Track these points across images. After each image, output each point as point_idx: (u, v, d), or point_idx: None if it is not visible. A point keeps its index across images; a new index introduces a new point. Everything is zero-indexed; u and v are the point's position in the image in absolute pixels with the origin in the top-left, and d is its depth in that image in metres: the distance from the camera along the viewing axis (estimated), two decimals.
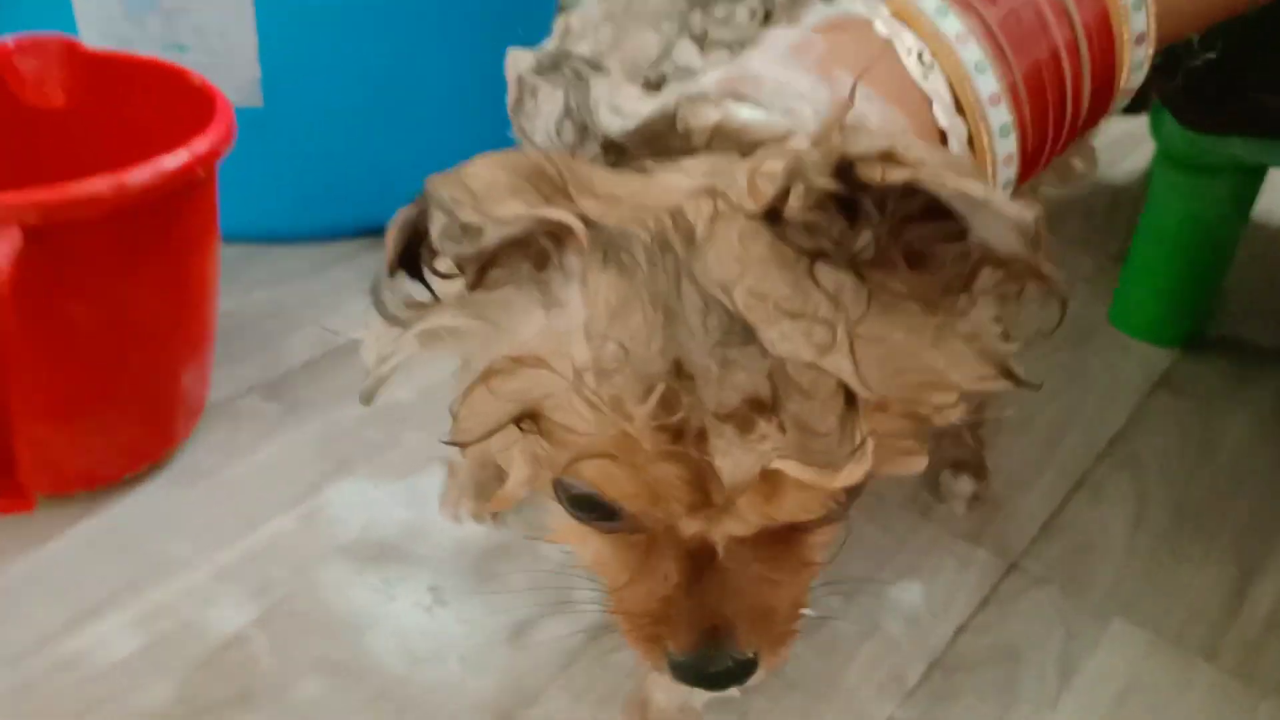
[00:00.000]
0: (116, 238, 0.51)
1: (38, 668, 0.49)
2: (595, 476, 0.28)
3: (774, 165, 0.28)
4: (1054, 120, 0.37)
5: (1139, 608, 0.57)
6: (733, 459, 0.27)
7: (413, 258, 0.29)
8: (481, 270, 0.28)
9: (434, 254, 0.29)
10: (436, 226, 0.27)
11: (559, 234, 0.28)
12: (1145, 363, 0.75)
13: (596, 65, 0.36)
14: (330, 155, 0.77)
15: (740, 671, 0.31)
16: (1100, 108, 0.39)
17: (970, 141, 0.36)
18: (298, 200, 0.79)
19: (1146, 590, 0.58)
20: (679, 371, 0.27)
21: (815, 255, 0.27)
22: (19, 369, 0.48)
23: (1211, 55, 0.61)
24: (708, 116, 0.32)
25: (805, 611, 0.33)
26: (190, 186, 0.53)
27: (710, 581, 0.30)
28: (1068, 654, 0.54)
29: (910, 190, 0.26)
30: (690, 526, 0.29)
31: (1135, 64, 0.38)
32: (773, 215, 0.27)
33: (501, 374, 0.29)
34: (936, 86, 0.35)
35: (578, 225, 0.27)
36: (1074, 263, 0.85)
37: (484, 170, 0.28)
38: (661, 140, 0.32)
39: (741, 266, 0.27)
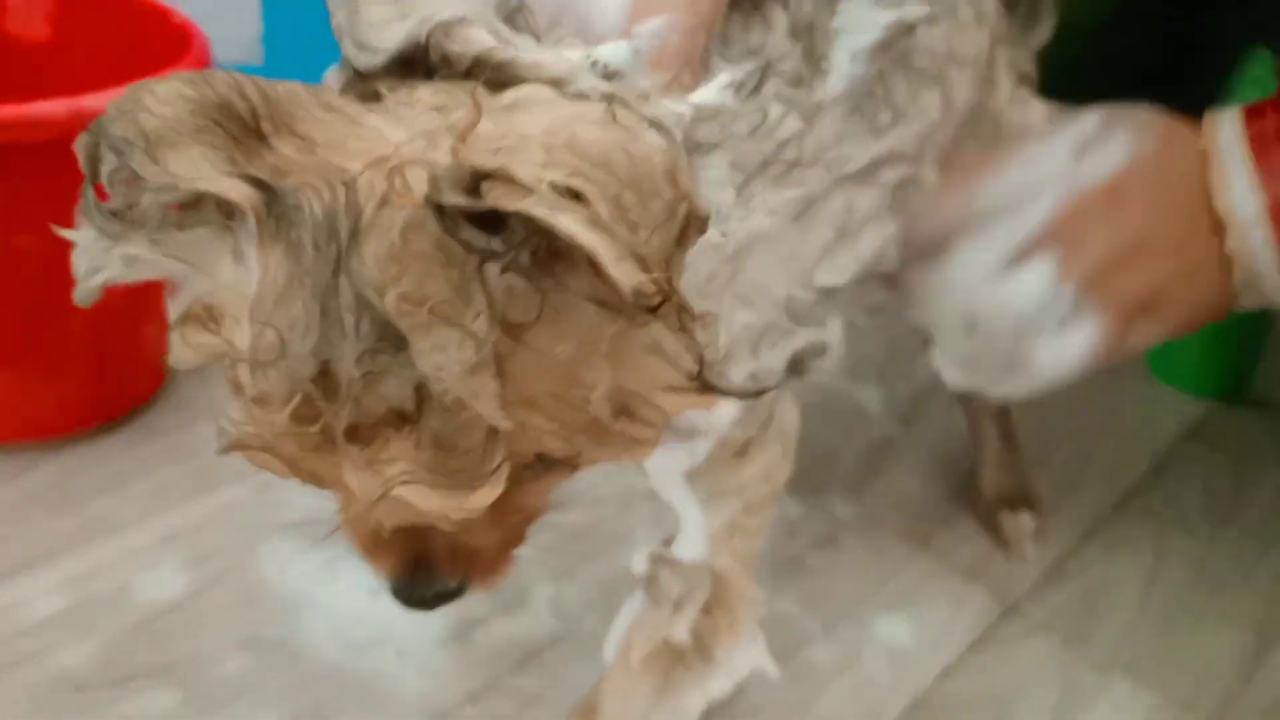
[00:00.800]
0: (70, 166, 0.49)
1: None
2: (262, 459, 0.27)
3: (445, 148, 0.26)
4: None
5: (1145, 668, 0.54)
6: (358, 480, 0.26)
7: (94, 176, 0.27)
8: (175, 208, 0.26)
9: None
10: (106, 167, 0.26)
11: (235, 199, 0.25)
12: (1179, 412, 0.73)
13: None
14: None
15: (446, 596, 0.31)
16: None
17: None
18: None
19: (1156, 650, 0.55)
20: (325, 375, 0.25)
21: (485, 256, 0.24)
22: None
23: None
24: (469, 45, 0.29)
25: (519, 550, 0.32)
26: None
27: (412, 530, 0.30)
28: (1063, 710, 0.51)
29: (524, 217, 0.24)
30: (348, 505, 0.29)
31: None
32: (438, 207, 0.24)
33: (192, 321, 0.27)
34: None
35: (245, 199, 0.25)
36: None
37: (166, 103, 0.25)
38: (412, 70, 0.29)
39: (400, 266, 0.25)
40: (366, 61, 0.30)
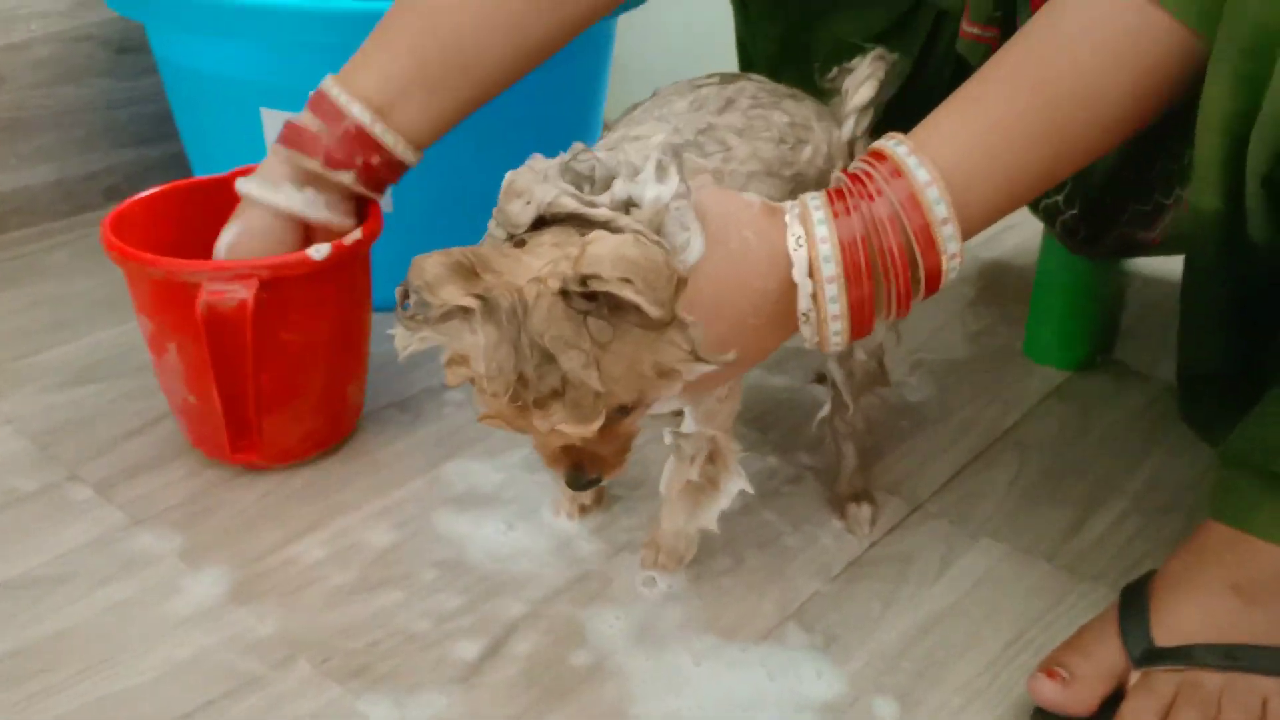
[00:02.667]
0: (312, 289, 0.79)
1: (268, 565, 0.75)
2: (498, 424, 0.53)
3: (566, 263, 0.49)
4: (880, 297, 0.56)
5: (1003, 532, 0.80)
6: (540, 423, 0.51)
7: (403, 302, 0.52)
8: (440, 320, 0.51)
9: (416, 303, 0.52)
10: (413, 298, 0.50)
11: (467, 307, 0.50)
12: (1044, 380, 0.99)
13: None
14: (438, 244, 1.06)
15: (592, 481, 0.55)
16: (932, 285, 0.57)
17: (814, 297, 0.55)
18: None
19: (1011, 521, 0.81)
20: (521, 379, 0.49)
21: (585, 313, 0.48)
22: (257, 371, 0.77)
23: (1074, 211, 0.83)
24: (562, 208, 0.52)
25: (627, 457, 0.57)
26: (356, 259, 0.82)
27: (569, 446, 0.54)
28: (946, 559, 0.77)
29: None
30: (541, 441, 0.55)
31: (950, 268, 0.56)
32: (565, 294, 0.48)
33: (454, 363, 0.52)
34: (799, 257, 0.55)
35: (474, 305, 0.49)
36: (1000, 310, 1.12)
37: (432, 264, 0.49)
38: (541, 221, 0.53)
39: (549, 323, 0.48)
40: (515, 232, 0.52)
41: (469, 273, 0.50)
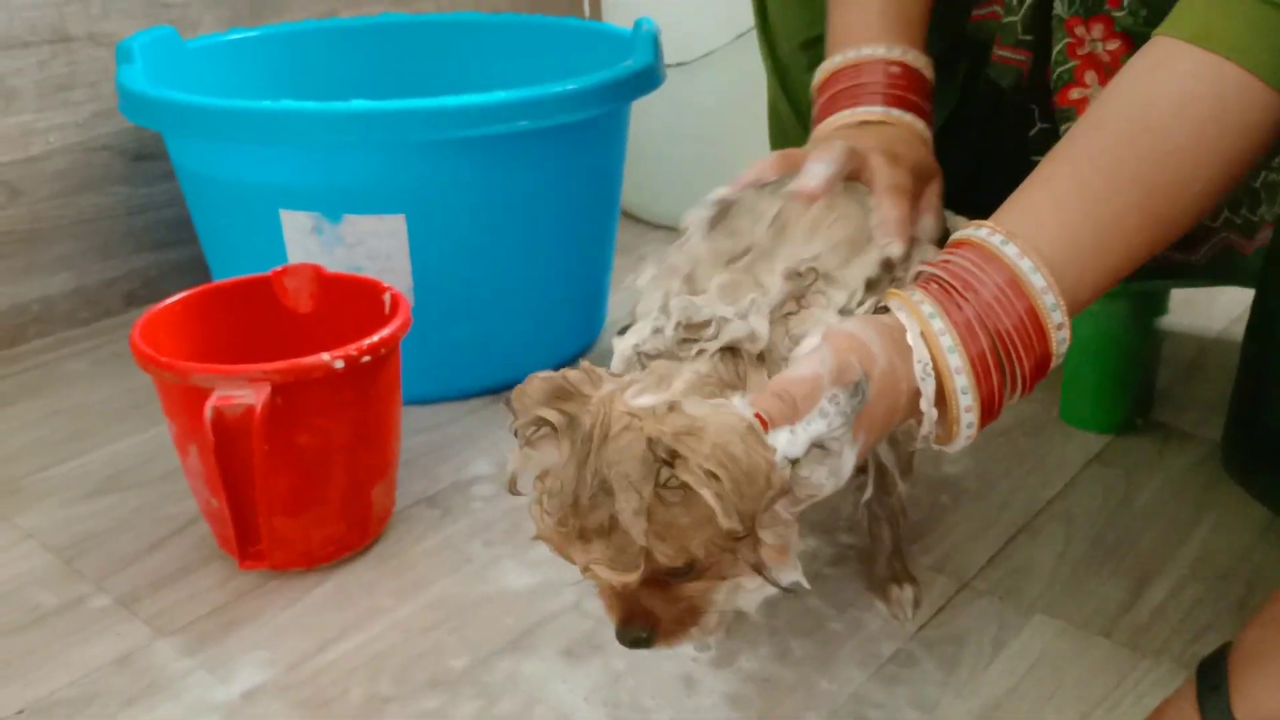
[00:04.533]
0: (328, 392, 0.78)
1: (298, 676, 0.73)
2: (550, 546, 0.52)
3: (664, 425, 0.48)
4: (1000, 386, 0.56)
5: (1056, 608, 0.77)
6: (577, 556, 0.50)
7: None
8: (528, 442, 0.51)
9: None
10: (516, 420, 0.51)
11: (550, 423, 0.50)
12: (1084, 446, 0.97)
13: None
14: (462, 337, 1.05)
15: (640, 642, 0.53)
16: (1042, 373, 0.58)
17: (943, 392, 0.55)
18: (441, 370, 1.07)
19: (1064, 596, 0.78)
20: (575, 504, 0.48)
21: (665, 464, 0.47)
22: (264, 477, 0.75)
23: None
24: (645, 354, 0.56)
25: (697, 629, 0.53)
26: (377, 360, 0.80)
27: (626, 594, 0.52)
28: (999, 639, 0.74)
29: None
30: (584, 574, 0.51)
31: (1059, 350, 0.57)
32: (650, 441, 0.47)
33: (539, 480, 0.51)
34: (920, 352, 0.54)
35: (557, 420, 0.49)
36: None
37: (534, 387, 0.50)
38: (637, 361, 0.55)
39: (621, 458, 0.47)
40: (619, 369, 0.55)
41: (568, 394, 0.50)
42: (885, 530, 0.78)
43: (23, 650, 0.76)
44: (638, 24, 1.17)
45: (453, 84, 1.00)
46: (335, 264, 0.98)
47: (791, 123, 0.98)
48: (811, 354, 0.52)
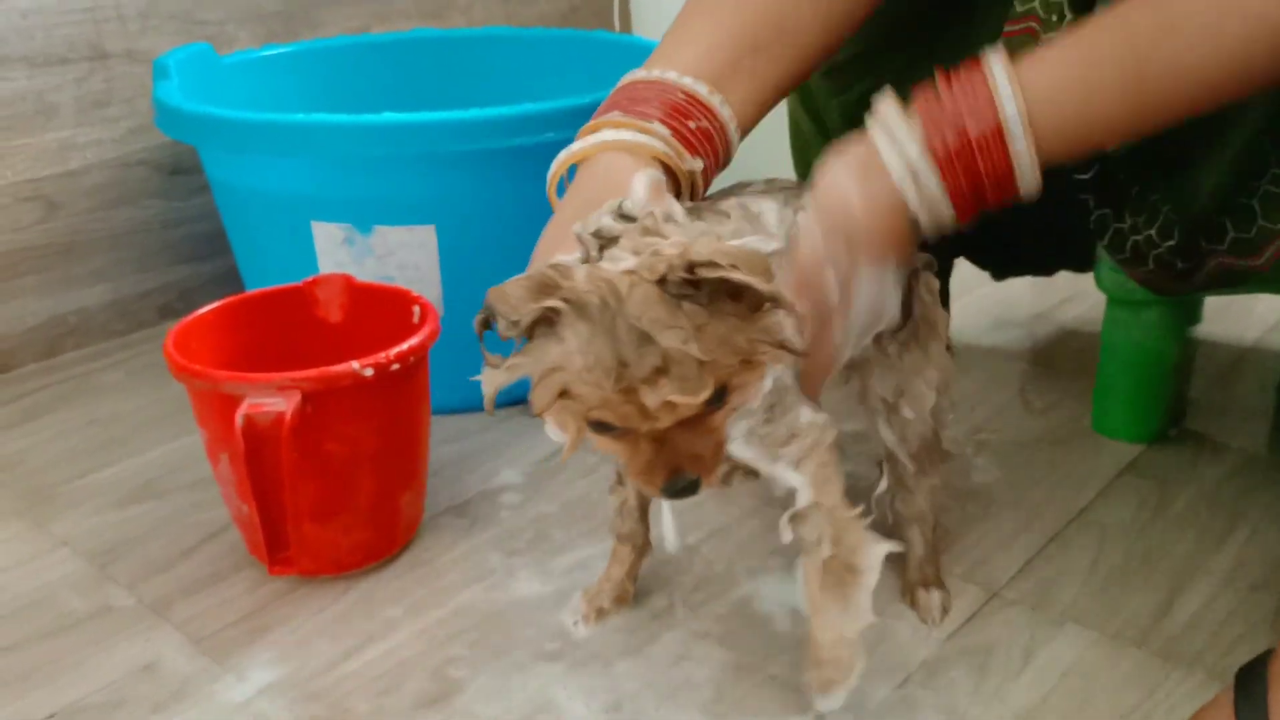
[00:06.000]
0: (358, 400, 0.79)
1: (325, 683, 0.73)
2: (599, 415, 0.52)
3: (663, 255, 0.51)
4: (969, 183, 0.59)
5: (1088, 618, 0.76)
6: (650, 398, 0.50)
7: (481, 335, 0.54)
8: (528, 330, 0.53)
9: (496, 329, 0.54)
10: (500, 321, 0.52)
11: (554, 311, 0.52)
12: (1116, 456, 0.96)
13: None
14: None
15: (693, 485, 0.54)
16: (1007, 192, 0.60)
17: (914, 176, 0.58)
18: (469, 380, 1.07)
19: (1095, 606, 0.77)
20: (622, 363, 0.50)
21: (680, 298, 0.50)
22: (293, 484, 0.76)
23: (1171, 243, 0.80)
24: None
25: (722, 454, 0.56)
26: (406, 369, 0.81)
27: (666, 447, 0.53)
28: (1029, 649, 0.73)
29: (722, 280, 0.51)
30: (645, 426, 0.52)
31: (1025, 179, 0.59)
32: (661, 281, 0.50)
33: (544, 378, 0.53)
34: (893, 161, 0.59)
35: (562, 306, 0.51)
36: (1063, 385, 1.08)
37: (513, 288, 0.51)
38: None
39: (645, 307, 0.50)
40: (593, 246, 0.55)
41: (549, 288, 0.52)
42: (915, 533, 0.77)
43: (54, 655, 0.77)
44: None
45: (484, 98, 1.01)
46: (366, 274, 0.99)
47: (812, 135, 0.98)
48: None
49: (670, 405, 0.52)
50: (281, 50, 1.31)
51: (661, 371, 0.50)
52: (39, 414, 1.12)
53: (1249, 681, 0.58)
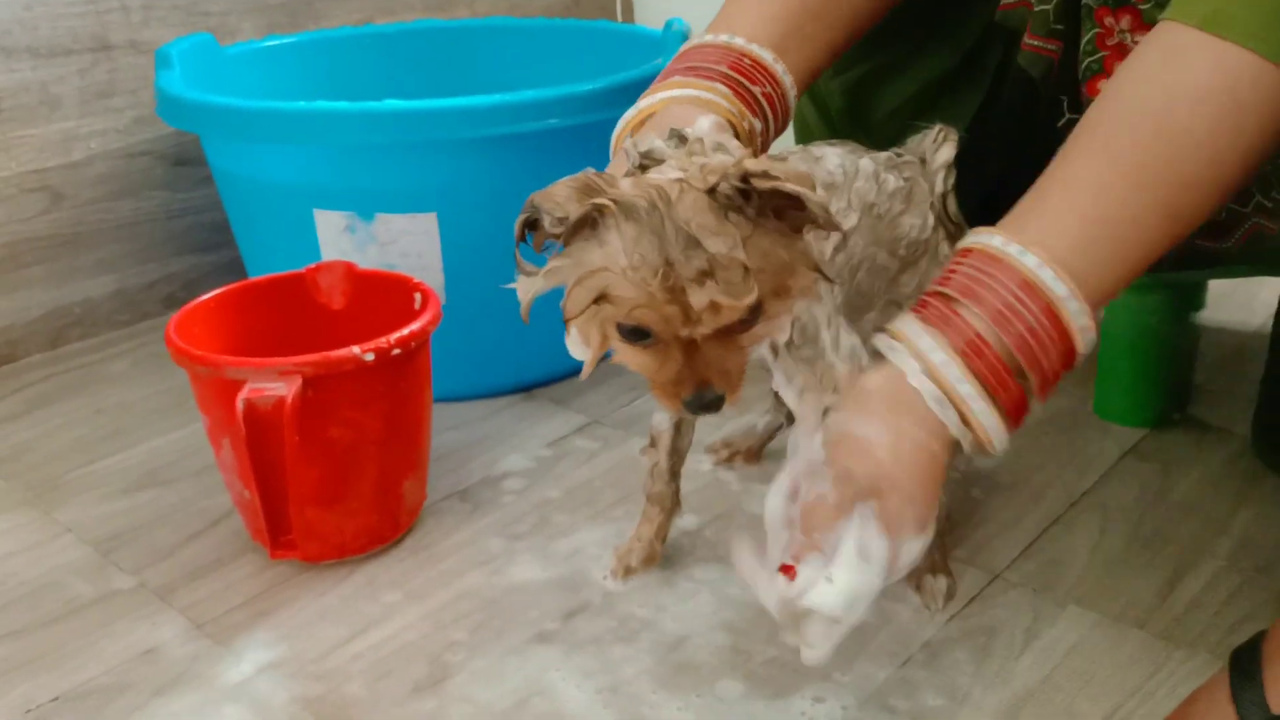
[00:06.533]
0: (359, 385, 0.79)
1: (329, 665, 0.74)
2: (639, 316, 0.53)
3: (713, 167, 0.53)
4: (1023, 392, 0.56)
5: (1090, 599, 0.76)
6: (696, 298, 0.51)
7: (523, 238, 0.56)
8: (570, 235, 0.54)
9: (543, 235, 0.55)
10: (546, 219, 0.53)
11: (601, 211, 0.53)
12: (1120, 440, 0.96)
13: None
14: (494, 334, 1.06)
15: (717, 401, 0.55)
16: (1069, 365, 0.57)
17: (965, 420, 0.55)
18: (473, 367, 1.07)
19: (1098, 588, 0.77)
20: (668, 263, 0.51)
21: (728, 209, 0.52)
22: (295, 468, 0.76)
23: None
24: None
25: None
26: (407, 354, 0.81)
27: (696, 359, 0.54)
28: (1031, 630, 0.73)
29: (775, 189, 0.52)
30: (684, 331, 0.53)
31: (1084, 348, 0.57)
32: (711, 191, 0.52)
33: (583, 280, 0.54)
34: (950, 417, 0.54)
35: (609, 204, 0.52)
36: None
37: (559, 189, 0.53)
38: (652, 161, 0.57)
39: (694, 213, 0.51)
40: (638, 161, 0.57)
41: (595, 190, 0.53)
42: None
43: (59, 640, 0.77)
44: (668, 24, 1.18)
45: (487, 88, 1.01)
46: (368, 262, 0.99)
47: (815, 121, 0.98)
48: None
49: (715, 308, 0.52)
50: (284, 41, 1.31)
51: (708, 274, 0.51)
52: (45, 404, 1.13)
53: (1245, 661, 0.58)
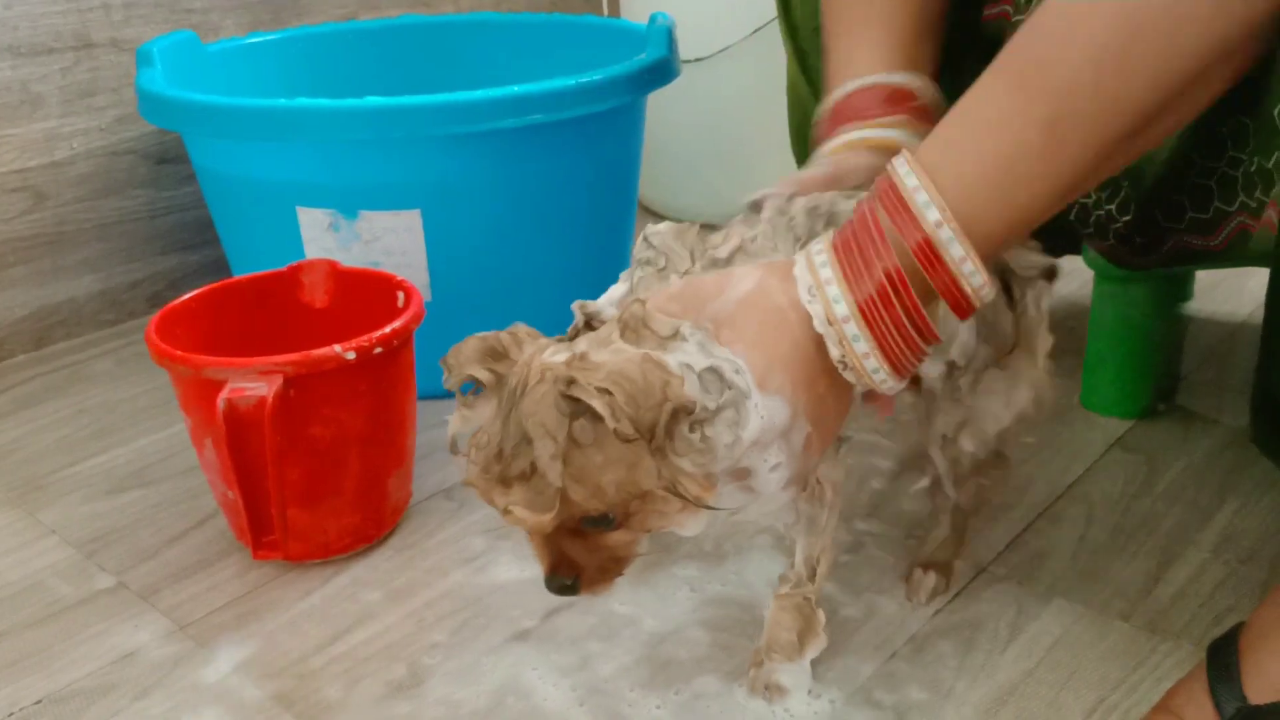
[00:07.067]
0: (341, 384, 0.78)
1: (313, 665, 0.73)
2: (474, 492, 0.53)
3: (547, 364, 0.51)
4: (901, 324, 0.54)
5: (1075, 592, 0.76)
6: (499, 499, 0.52)
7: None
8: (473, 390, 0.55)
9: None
10: (449, 378, 0.55)
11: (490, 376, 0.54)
12: (1106, 431, 0.96)
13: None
14: (479, 331, 1.05)
15: (566, 589, 0.55)
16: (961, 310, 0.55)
17: (840, 342, 0.54)
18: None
19: (1083, 580, 0.77)
20: (499, 453, 0.51)
21: (574, 413, 0.49)
22: (277, 468, 0.76)
23: (1128, 218, 0.78)
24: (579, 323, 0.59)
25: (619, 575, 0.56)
26: (389, 352, 0.80)
27: (549, 544, 0.55)
28: (1016, 623, 0.73)
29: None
30: (505, 521, 0.53)
31: (975, 285, 0.54)
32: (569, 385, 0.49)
33: (476, 435, 0.54)
34: (815, 310, 0.54)
35: (486, 379, 0.53)
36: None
37: (468, 345, 0.54)
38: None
39: (539, 408, 0.50)
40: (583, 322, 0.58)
41: (499, 354, 0.54)
42: (945, 519, 0.77)
43: (42, 642, 0.77)
44: (653, 18, 1.17)
45: (472, 84, 1.00)
46: (352, 260, 0.99)
47: (810, 101, 0.98)
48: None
49: (511, 515, 0.52)
50: (267, 38, 1.30)
51: (524, 478, 0.50)
52: (29, 404, 1.12)
53: (1223, 653, 0.58)
